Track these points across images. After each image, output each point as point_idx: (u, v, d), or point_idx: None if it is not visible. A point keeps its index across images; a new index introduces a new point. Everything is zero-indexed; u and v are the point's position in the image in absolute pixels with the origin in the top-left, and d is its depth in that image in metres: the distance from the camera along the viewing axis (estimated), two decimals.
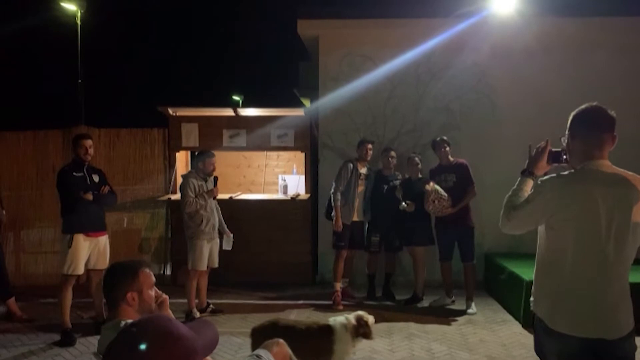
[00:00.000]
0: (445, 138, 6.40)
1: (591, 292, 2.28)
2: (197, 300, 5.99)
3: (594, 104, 2.43)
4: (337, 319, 4.09)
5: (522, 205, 2.42)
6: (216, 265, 6.10)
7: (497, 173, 7.25)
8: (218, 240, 6.10)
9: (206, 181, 5.97)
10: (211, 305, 6.18)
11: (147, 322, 1.32)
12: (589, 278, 2.29)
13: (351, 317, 4.10)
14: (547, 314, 2.36)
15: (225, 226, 6.28)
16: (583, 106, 2.43)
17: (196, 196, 5.81)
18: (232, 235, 6.25)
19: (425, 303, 6.43)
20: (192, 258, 5.87)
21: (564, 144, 2.48)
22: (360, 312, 4.21)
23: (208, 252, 5.93)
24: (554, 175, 2.40)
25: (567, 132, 2.46)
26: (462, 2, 7.14)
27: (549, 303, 2.37)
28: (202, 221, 5.84)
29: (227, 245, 6.22)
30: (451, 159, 6.31)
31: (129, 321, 2.20)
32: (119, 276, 2.28)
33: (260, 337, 3.55)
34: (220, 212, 6.22)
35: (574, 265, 2.30)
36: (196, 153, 6.37)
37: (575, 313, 2.29)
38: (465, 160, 6.36)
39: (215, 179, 6.05)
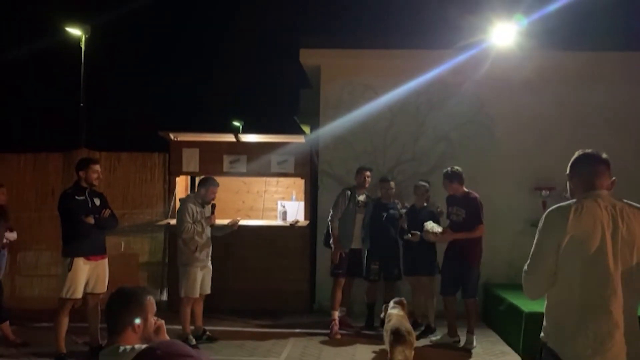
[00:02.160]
0: (460, 171, 5.99)
1: (603, 322, 2.30)
2: (192, 327, 5.93)
3: (587, 150, 2.62)
4: (399, 311, 5.09)
5: (534, 250, 2.48)
6: (209, 291, 6.05)
7: (495, 203, 7.28)
8: (211, 267, 6.07)
9: (203, 207, 5.97)
10: (207, 332, 6.11)
11: (168, 344, 1.37)
12: (599, 307, 2.31)
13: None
14: (561, 346, 2.36)
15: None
16: (577, 153, 2.64)
17: (194, 222, 5.80)
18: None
19: (426, 340, 6.31)
20: (185, 285, 5.82)
21: (567, 196, 2.61)
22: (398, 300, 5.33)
23: (201, 279, 5.89)
24: (558, 205, 2.48)
25: (567, 180, 2.62)
26: (462, 35, 7.25)
27: (562, 335, 2.37)
28: (196, 248, 5.81)
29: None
30: (465, 190, 5.96)
31: (128, 347, 2.19)
32: (128, 303, 2.28)
33: (397, 335, 4.54)
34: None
35: (584, 293, 2.33)
36: (200, 178, 6.39)
37: (590, 345, 2.29)
38: (476, 195, 5.96)
39: (213, 206, 6.06)
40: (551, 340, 2.41)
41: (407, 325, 4.79)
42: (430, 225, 5.99)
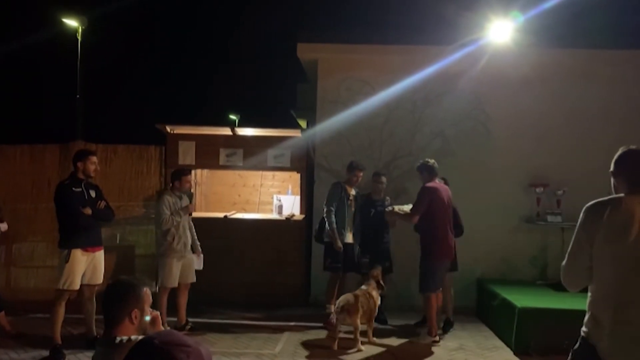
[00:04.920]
0: (426, 164, 6.00)
1: (637, 320, 2.29)
2: (175, 318, 5.95)
3: (632, 147, 2.58)
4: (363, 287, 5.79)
5: (571, 244, 2.49)
6: (193, 280, 6.09)
7: (490, 199, 7.33)
8: (191, 257, 6.11)
9: (181, 198, 6.03)
10: (190, 324, 6.15)
11: (166, 334, 1.41)
12: (633, 304, 2.31)
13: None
14: (598, 342, 2.36)
15: (198, 244, 6.27)
16: (621, 150, 2.59)
17: (172, 213, 5.85)
18: (202, 255, 6.24)
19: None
20: (162, 275, 5.92)
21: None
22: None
23: (178, 270, 5.95)
24: (597, 200, 2.47)
25: (611, 177, 2.58)
26: (460, 31, 7.26)
27: (599, 331, 2.37)
28: (173, 239, 5.88)
29: (198, 265, 6.20)
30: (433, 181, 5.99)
31: (125, 338, 2.21)
32: (125, 294, 2.29)
33: (338, 307, 5.48)
34: (194, 230, 6.24)
35: (619, 290, 2.33)
36: (172, 171, 6.44)
37: (624, 342, 2.29)
38: (435, 186, 5.91)
39: (191, 195, 6.09)
40: (591, 336, 2.41)
41: (349, 298, 5.50)
42: (397, 207, 6.21)
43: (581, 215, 2.48)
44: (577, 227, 2.48)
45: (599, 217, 2.38)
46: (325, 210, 6.49)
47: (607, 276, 2.37)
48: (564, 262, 2.54)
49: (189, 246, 6.09)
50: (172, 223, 5.83)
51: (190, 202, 6.11)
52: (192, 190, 6.57)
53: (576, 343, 2.48)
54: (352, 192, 6.59)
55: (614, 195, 2.48)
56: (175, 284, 5.94)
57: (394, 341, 5.92)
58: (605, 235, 2.35)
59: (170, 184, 6.14)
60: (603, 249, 2.36)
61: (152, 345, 1.35)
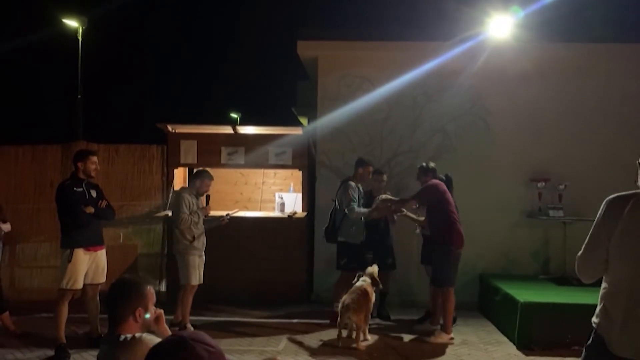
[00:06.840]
0: (425, 167, 6.20)
1: None
2: (172, 317, 5.96)
3: None
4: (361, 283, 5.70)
5: (589, 236, 2.46)
6: (201, 281, 6.10)
7: (491, 194, 7.34)
8: (204, 258, 6.13)
9: (198, 199, 6.07)
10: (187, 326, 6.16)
11: (195, 333, 1.55)
12: None
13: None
14: (608, 335, 2.35)
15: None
16: None
17: (190, 213, 5.87)
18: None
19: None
20: (186, 273, 5.90)
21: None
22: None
23: (200, 266, 5.99)
24: (619, 194, 2.43)
25: (637, 169, 2.51)
26: (460, 27, 7.26)
27: (610, 324, 2.36)
28: (193, 237, 5.91)
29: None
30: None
31: (129, 336, 2.24)
32: (129, 292, 2.32)
33: (343, 304, 5.42)
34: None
35: (632, 286, 2.31)
36: (194, 170, 6.46)
37: (634, 338, 2.28)
38: (437, 184, 5.97)
39: (207, 197, 6.15)
40: (601, 327, 2.40)
41: (354, 297, 5.45)
42: (384, 196, 6.28)
43: (601, 207, 2.42)
44: (596, 219, 2.43)
45: (620, 211, 2.33)
46: (348, 210, 6.21)
47: (622, 271, 2.34)
48: (580, 253, 2.50)
49: (205, 245, 6.11)
50: (190, 222, 5.86)
51: (207, 203, 6.16)
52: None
53: (588, 339, 2.46)
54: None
55: (638, 190, 2.41)
56: (199, 281, 5.96)
57: (397, 337, 5.94)
58: (624, 230, 2.30)
59: (192, 184, 6.13)
60: (620, 244, 2.32)
61: (183, 339, 1.49)
